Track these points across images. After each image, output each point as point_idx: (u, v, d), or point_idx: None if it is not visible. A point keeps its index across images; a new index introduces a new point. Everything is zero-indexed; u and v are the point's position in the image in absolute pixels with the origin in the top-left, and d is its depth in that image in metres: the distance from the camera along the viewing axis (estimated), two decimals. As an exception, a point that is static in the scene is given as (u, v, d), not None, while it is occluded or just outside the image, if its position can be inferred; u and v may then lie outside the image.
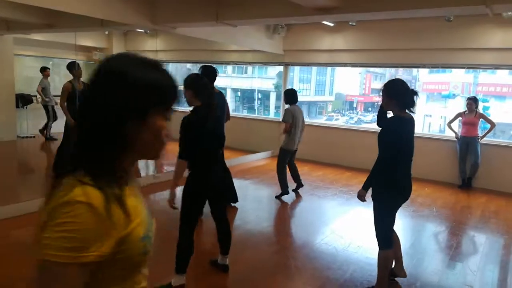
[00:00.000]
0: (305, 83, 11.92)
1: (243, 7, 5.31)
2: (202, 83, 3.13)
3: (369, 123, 10.93)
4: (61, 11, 5.14)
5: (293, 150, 5.83)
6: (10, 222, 4.47)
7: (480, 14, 5.64)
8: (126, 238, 0.88)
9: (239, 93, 12.42)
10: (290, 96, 5.82)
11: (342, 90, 11.47)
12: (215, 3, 5.38)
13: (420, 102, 3.04)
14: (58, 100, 6.56)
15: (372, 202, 3.10)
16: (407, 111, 3.01)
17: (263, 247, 4.22)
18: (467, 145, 6.86)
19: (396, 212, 3.17)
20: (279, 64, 9.34)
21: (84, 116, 0.91)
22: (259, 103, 11.52)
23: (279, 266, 3.78)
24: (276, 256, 4.03)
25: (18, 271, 3.42)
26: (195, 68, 12.10)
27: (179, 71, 12.95)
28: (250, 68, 11.33)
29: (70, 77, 6.28)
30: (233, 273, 3.51)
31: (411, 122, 3.08)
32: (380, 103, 3.27)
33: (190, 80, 3.10)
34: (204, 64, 4.37)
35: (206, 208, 3.45)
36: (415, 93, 2.99)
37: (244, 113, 11.08)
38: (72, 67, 6.16)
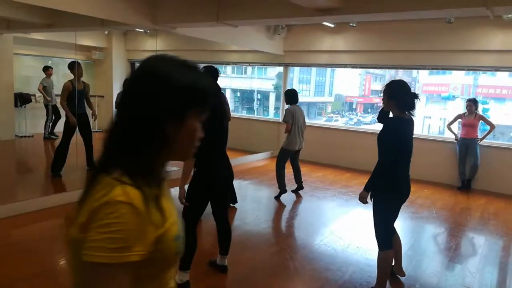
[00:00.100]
0: (305, 84, 11.92)
1: (244, 8, 5.31)
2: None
3: (369, 124, 10.93)
4: (62, 10, 5.14)
5: (294, 150, 5.81)
6: (9, 222, 4.46)
7: (480, 16, 5.65)
8: (162, 238, 0.88)
9: (238, 94, 12.41)
10: (291, 96, 5.82)
11: (341, 91, 11.47)
12: (215, 4, 5.37)
13: (420, 103, 3.05)
14: (59, 99, 6.54)
15: (372, 203, 3.11)
16: (406, 112, 3.02)
17: (262, 247, 4.21)
18: (466, 146, 6.86)
19: (396, 212, 3.18)
20: (279, 64, 9.34)
21: (122, 116, 0.92)
22: (258, 103, 11.52)
23: (278, 267, 3.77)
24: (276, 257, 4.02)
25: (18, 270, 3.42)
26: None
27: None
28: (249, 69, 11.32)
29: (69, 76, 6.27)
30: (232, 273, 3.50)
31: (410, 123, 3.08)
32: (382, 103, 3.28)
33: None
34: (206, 65, 4.38)
35: (207, 209, 3.44)
36: (416, 96, 3.00)
37: (244, 114, 11.07)
38: (73, 66, 6.15)
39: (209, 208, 3.37)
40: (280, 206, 5.70)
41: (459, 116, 7.05)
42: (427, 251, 4.45)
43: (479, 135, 6.90)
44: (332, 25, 7.66)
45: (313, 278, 3.59)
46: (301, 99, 5.93)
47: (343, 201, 6.03)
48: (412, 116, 3.06)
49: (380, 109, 3.47)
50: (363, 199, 3.10)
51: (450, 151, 7.25)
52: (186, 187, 3.16)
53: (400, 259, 3.48)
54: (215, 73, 4.12)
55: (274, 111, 10.82)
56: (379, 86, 12.28)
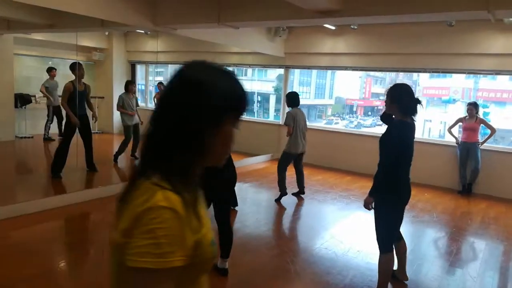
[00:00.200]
0: (305, 86, 11.89)
1: (245, 9, 5.30)
2: None
3: (369, 127, 10.90)
4: (62, 11, 5.13)
5: (296, 153, 5.78)
6: (9, 223, 4.44)
7: (482, 19, 5.65)
8: (199, 243, 0.89)
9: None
10: (292, 99, 5.80)
11: (342, 94, 11.45)
12: (216, 5, 5.37)
13: (420, 106, 3.05)
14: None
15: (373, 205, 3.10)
16: (408, 116, 3.02)
17: (262, 250, 4.20)
18: (467, 150, 6.85)
19: (398, 216, 3.17)
20: (280, 66, 9.34)
21: (160, 121, 0.92)
22: (258, 106, 11.50)
23: (278, 270, 3.75)
24: (276, 260, 4.01)
25: (18, 271, 3.40)
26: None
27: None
28: (250, 71, 11.31)
29: (69, 76, 6.26)
30: (233, 276, 3.48)
31: (412, 127, 3.09)
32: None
33: None
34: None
35: (209, 211, 3.43)
36: (418, 101, 3.01)
37: (244, 116, 11.05)
38: (74, 67, 6.14)
39: (210, 210, 3.36)
40: (281, 209, 5.68)
41: (460, 120, 7.04)
42: (428, 255, 4.43)
43: (480, 139, 6.89)
44: (333, 28, 7.66)
45: (313, 282, 3.58)
46: (301, 101, 5.93)
47: (344, 205, 6.01)
48: (414, 120, 3.07)
49: (383, 111, 3.47)
50: (367, 205, 3.09)
51: (451, 155, 7.24)
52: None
53: (404, 263, 3.47)
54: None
55: (274, 114, 10.80)
56: (380, 89, 12.24)
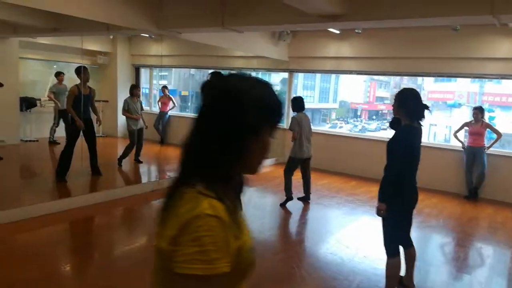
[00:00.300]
0: (309, 90, 11.88)
1: (249, 13, 5.30)
2: None
3: (374, 131, 10.88)
4: (67, 15, 5.15)
5: (302, 158, 5.75)
6: (14, 226, 4.44)
7: (487, 24, 5.62)
8: (241, 249, 0.92)
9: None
10: (298, 103, 5.79)
11: (346, 98, 11.43)
12: (221, 9, 5.37)
13: (428, 112, 3.06)
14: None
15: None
16: (416, 121, 3.02)
17: (268, 255, 4.16)
18: (473, 155, 6.81)
19: (404, 220, 3.16)
20: (284, 70, 9.33)
21: (201, 132, 0.95)
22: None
23: (284, 275, 3.72)
24: (282, 264, 3.98)
25: (22, 274, 3.40)
26: (198, 74, 12.11)
27: (182, 77, 12.98)
28: (253, 74, 11.31)
29: (73, 80, 6.27)
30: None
31: (419, 131, 3.09)
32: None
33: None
34: (213, 71, 4.38)
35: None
36: (426, 107, 3.01)
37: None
38: (80, 71, 6.15)
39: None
40: (286, 214, 5.65)
41: (465, 124, 7.00)
42: (435, 261, 4.39)
43: (486, 143, 6.84)
44: (337, 32, 7.65)
45: (320, 287, 3.55)
46: (305, 105, 5.91)
47: (349, 209, 5.97)
48: (421, 125, 3.06)
49: (392, 116, 3.47)
50: (380, 211, 3.06)
51: (457, 160, 7.19)
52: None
53: (412, 271, 3.43)
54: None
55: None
56: (384, 92, 12.24)
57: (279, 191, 6.01)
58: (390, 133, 3.28)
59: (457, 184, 7.12)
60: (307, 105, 5.98)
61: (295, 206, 5.83)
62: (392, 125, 3.38)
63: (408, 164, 3.01)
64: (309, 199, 6.00)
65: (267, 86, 0.98)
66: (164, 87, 10.23)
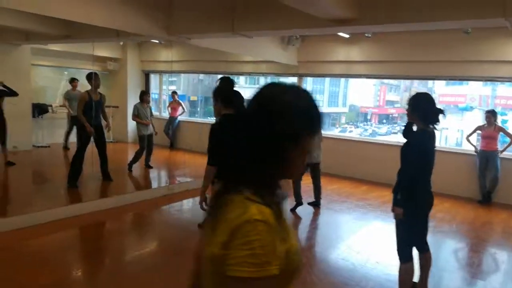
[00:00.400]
0: (318, 94, 11.86)
1: (259, 19, 5.30)
2: (234, 92, 3.21)
3: (384, 135, 10.80)
4: (79, 22, 5.21)
5: (311, 163, 5.72)
6: (26, 232, 4.47)
7: (498, 26, 5.55)
8: (288, 252, 0.95)
9: (251, 104, 12.43)
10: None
11: (356, 102, 11.36)
12: (231, 14, 5.39)
13: (442, 116, 3.05)
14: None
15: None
16: (430, 125, 3.00)
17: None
18: (486, 159, 6.71)
19: (418, 224, 3.13)
20: (293, 75, 9.32)
21: (247, 140, 0.99)
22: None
23: (295, 280, 3.68)
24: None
25: (34, 280, 3.42)
26: (207, 79, 12.16)
27: (190, 82, 13.04)
28: (262, 79, 11.32)
29: (84, 86, 6.32)
30: None
31: (432, 135, 3.07)
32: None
33: (222, 89, 3.14)
34: (222, 76, 4.37)
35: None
36: (441, 111, 2.98)
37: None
38: (91, 77, 6.22)
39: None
40: (296, 219, 5.61)
41: (478, 128, 6.91)
42: (449, 266, 4.31)
43: (499, 147, 6.74)
44: (347, 36, 7.63)
45: (331, 294, 3.51)
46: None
47: (360, 214, 5.91)
48: (435, 129, 3.04)
49: (405, 123, 3.44)
50: (397, 215, 3.02)
51: (469, 164, 7.09)
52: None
53: (426, 276, 3.37)
54: (231, 84, 4.13)
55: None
56: (394, 96, 12.15)
57: (289, 197, 5.97)
58: (401, 137, 3.25)
59: (470, 189, 7.02)
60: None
61: (305, 211, 5.79)
62: (405, 133, 3.35)
63: (422, 168, 2.99)
64: (319, 204, 5.96)
65: (307, 95, 1.02)
66: (174, 92, 10.29)
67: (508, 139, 6.67)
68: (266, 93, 1.02)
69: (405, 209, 2.98)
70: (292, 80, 10.03)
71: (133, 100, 7.74)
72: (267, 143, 0.96)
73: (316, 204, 5.94)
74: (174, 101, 10.08)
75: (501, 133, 6.75)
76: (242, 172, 0.99)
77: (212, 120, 3.12)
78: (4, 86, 6.98)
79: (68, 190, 6.13)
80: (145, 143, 7.45)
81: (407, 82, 10.50)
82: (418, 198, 3.02)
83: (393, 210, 3.05)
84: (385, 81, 10.77)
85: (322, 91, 12.23)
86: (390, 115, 11.98)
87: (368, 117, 11.71)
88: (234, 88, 3.42)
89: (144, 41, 9.77)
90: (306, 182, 5.84)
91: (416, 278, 3.32)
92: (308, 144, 1.01)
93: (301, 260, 1.03)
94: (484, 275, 4.17)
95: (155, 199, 6.09)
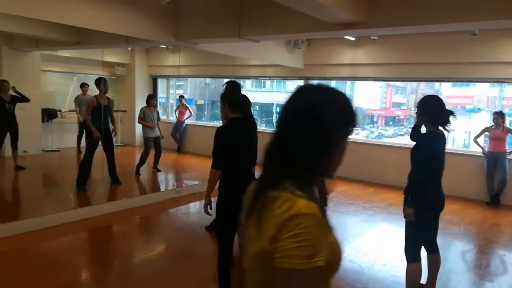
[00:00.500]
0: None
1: (266, 23, 5.35)
2: (240, 96, 3.23)
3: (391, 137, 10.75)
4: (88, 29, 5.30)
5: None
6: (35, 235, 4.54)
7: (506, 28, 5.54)
8: (332, 244, 1.00)
9: (257, 107, 12.48)
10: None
11: (362, 104, 11.35)
12: (237, 19, 5.44)
13: (453, 117, 3.06)
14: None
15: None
16: (440, 127, 3.01)
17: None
18: (494, 160, 6.68)
19: (428, 225, 3.14)
20: (300, 78, 9.35)
21: (291, 138, 1.03)
22: (277, 117, 11.50)
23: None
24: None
25: (44, 282, 3.47)
26: (214, 83, 12.23)
27: (197, 86, 13.13)
28: (268, 82, 11.37)
29: (93, 91, 6.40)
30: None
31: (442, 136, 3.08)
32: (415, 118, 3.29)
33: (229, 93, 3.20)
34: (229, 80, 4.42)
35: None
36: (451, 113, 2.99)
37: (263, 127, 11.10)
38: (99, 82, 6.31)
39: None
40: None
41: (485, 129, 6.88)
42: (457, 268, 4.30)
43: (507, 148, 6.71)
44: (353, 39, 7.65)
45: (339, 296, 3.51)
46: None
47: (367, 217, 5.91)
48: (446, 131, 3.04)
49: (413, 124, 3.45)
50: (408, 216, 3.05)
51: (477, 165, 7.06)
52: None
53: (434, 278, 3.37)
54: (237, 88, 4.18)
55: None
56: (401, 98, 12.10)
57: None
58: (407, 139, 3.26)
59: (478, 190, 6.98)
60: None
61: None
62: (412, 136, 3.36)
63: (432, 170, 3.01)
64: (326, 205, 5.96)
65: (344, 96, 1.07)
66: (181, 96, 10.37)
67: (516, 141, 6.64)
68: (305, 95, 1.07)
69: (416, 210, 3.00)
70: (298, 83, 10.07)
71: (141, 104, 7.83)
72: (309, 142, 1.01)
73: (323, 206, 5.94)
74: (182, 105, 10.16)
75: (509, 134, 6.71)
76: (286, 169, 1.02)
77: (219, 123, 3.14)
78: (16, 92, 7.11)
79: (77, 193, 6.21)
80: (150, 146, 7.52)
81: (414, 84, 10.46)
82: (429, 199, 3.04)
83: (404, 211, 3.07)
84: (391, 83, 10.74)
85: (328, 94, 12.26)
86: (397, 117, 11.93)
87: (375, 119, 11.69)
88: (241, 92, 3.45)
89: (152, 46, 9.87)
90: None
91: (424, 279, 3.33)
92: (345, 143, 1.07)
93: (342, 252, 1.05)
94: (492, 277, 4.16)
95: (162, 202, 6.14)
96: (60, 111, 9.30)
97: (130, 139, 10.01)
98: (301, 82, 9.41)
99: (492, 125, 6.76)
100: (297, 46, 8.22)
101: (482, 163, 6.96)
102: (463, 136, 8.96)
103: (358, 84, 9.94)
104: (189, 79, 12.36)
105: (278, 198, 0.97)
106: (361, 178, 8.05)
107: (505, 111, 7.40)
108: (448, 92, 9.36)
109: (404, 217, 3.09)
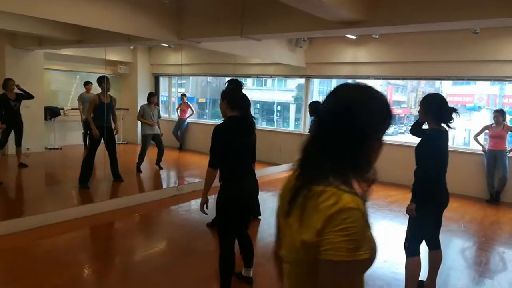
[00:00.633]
0: (325, 95, 11.87)
1: (268, 21, 5.37)
2: (240, 94, 3.23)
3: (391, 135, 10.77)
4: (91, 27, 5.33)
5: None
6: (38, 232, 4.58)
7: (506, 26, 5.55)
8: (372, 239, 1.03)
9: (258, 105, 12.51)
10: (315, 108, 5.82)
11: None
12: (239, 18, 5.47)
13: (456, 115, 3.08)
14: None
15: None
16: (443, 124, 3.04)
17: (286, 260, 4.18)
18: (494, 158, 6.70)
19: (429, 220, 3.18)
20: (301, 77, 9.37)
21: (334, 135, 1.05)
22: (278, 115, 11.54)
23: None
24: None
25: (46, 280, 3.50)
26: (215, 81, 12.26)
27: (199, 84, 13.15)
28: (269, 81, 11.38)
29: (96, 90, 6.44)
30: (257, 285, 3.49)
31: (445, 134, 3.11)
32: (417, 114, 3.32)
33: (229, 91, 3.20)
34: (231, 78, 4.45)
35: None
36: (454, 110, 3.02)
37: (264, 125, 11.14)
38: (101, 81, 6.35)
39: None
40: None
41: (486, 127, 6.91)
42: (456, 265, 4.34)
43: (508, 146, 6.73)
44: (354, 37, 7.67)
45: (339, 292, 3.54)
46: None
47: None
48: (449, 128, 3.07)
49: (415, 120, 3.47)
50: (411, 211, 3.09)
51: (477, 163, 7.08)
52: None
53: (435, 275, 3.39)
54: (240, 86, 4.19)
55: (296, 123, 10.81)
56: (401, 96, 12.12)
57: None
58: (407, 137, 3.29)
59: (478, 188, 7.01)
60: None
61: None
62: (413, 131, 3.39)
63: (436, 167, 3.05)
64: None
65: (382, 95, 1.10)
66: (183, 95, 10.41)
67: (516, 139, 6.66)
68: (342, 94, 1.10)
69: (420, 206, 3.04)
70: (299, 81, 10.10)
71: (143, 102, 7.86)
72: (346, 140, 1.03)
73: None
74: (183, 103, 10.20)
75: (509, 132, 6.73)
76: (330, 165, 1.04)
77: (220, 122, 3.16)
78: (20, 89, 7.16)
79: (80, 191, 6.26)
80: (148, 143, 7.57)
81: (414, 82, 10.47)
82: (434, 196, 3.08)
83: (408, 206, 3.12)
84: (392, 81, 10.76)
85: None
86: (397, 115, 11.94)
87: (376, 118, 11.71)
88: (242, 91, 3.47)
89: (154, 45, 9.90)
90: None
91: (424, 276, 3.36)
92: (382, 140, 1.10)
93: (377, 248, 1.07)
94: (492, 273, 4.18)
95: (164, 199, 6.18)
96: (63, 109, 9.35)
97: (132, 137, 10.05)
98: (301, 80, 9.46)
99: (493, 123, 6.78)
100: (298, 45, 8.24)
101: (482, 161, 6.98)
102: (463, 134, 8.98)
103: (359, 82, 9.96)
104: (191, 77, 12.40)
105: (323, 192, 0.99)
106: (362, 176, 8.06)
107: (506, 109, 7.42)
108: (448, 90, 9.38)
109: (407, 212, 3.13)
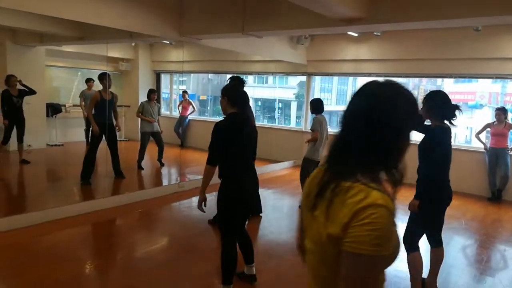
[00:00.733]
0: (326, 92, 11.87)
1: (269, 18, 5.36)
2: (240, 91, 3.22)
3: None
4: (92, 24, 5.33)
5: (318, 160, 5.75)
6: (40, 228, 4.59)
7: (509, 23, 5.53)
8: (397, 239, 1.04)
9: (259, 103, 12.50)
10: (317, 106, 5.79)
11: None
12: (241, 15, 5.45)
13: (459, 112, 3.10)
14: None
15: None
16: (446, 121, 3.05)
17: (287, 256, 4.19)
18: (496, 156, 6.69)
19: (436, 219, 3.21)
20: (302, 74, 9.36)
21: (358, 135, 1.07)
22: (279, 112, 11.54)
23: (304, 276, 3.71)
24: (301, 266, 3.97)
25: (47, 276, 3.52)
26: (217, 78, 12.26)
27: (200, 81, 13.16)
28: (271, 78, 11.37)
29: (97, 86, 6.44)
30: (258, 282, 3.50)
31: (448, 131, 3.13)
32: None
33: (229, 88, 3.18)
34: (232, 75, 4.45)
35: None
36: (457, 107, 3.03)
37: (265, 123, 11.14)
38: (103, 77, 6.36)
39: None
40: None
41: (487, 125, 6.89)
42: (457, 263, 4.34)
43: (509, 144, 6.72)
44: (355, 34, 7.65)
45: (340, 289, 3.55)
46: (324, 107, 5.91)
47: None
48: (452, 125, 3.08)
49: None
50: (414, 207, 3.10)
51: (479, 161, 7.08)
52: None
53: (436, 272, 3.39)
54: (242, 83, 4.19)
55: (297, 120, 10.80)
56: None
57: (297, 193, 6.03)
58: (411, 134, 3.28)
59: (480, 186, 7.01)
60: (325, 108, 5.98)
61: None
62: (417, 128, 3.38)
63: (440, 164, 3.06)
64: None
65: (410, 92, 1.12)
66: (184, 92, 10.42)
67: (518, 137, 6.64)
68: (370, 91, 1.11)
69: (423, 202, 3.05)
70: (301, 79, 10.09)
71: (144, 99, 7.87)
72: (373, 137, 1.05)
73: None
74: (185, 100, 10.20)
75: (511, 130, 6.72)
76: (356, 162, 1.06)
77: (221, 119, 3.15)
78: (23, 84, 7.17)
79: (81, 187, 6.27)
80: (146, 141, 7.58)
81: (416, 80, 10.44)
82: (437, 193, 3.10)
83: (410, 202, 3.13)
84: (394, 79, 10.75)
85: (330, 90, 12.24)
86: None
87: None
88: (243, 88, 3.46)
89: (155, 42, 9.89)
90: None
91: (425, 274, 3.36)
92: (409, 137, 1.11)
93: (400, 247, 1.08)
94: (493, 271, 4.19)
95: (165, 196, 6.20)
96: (65, 106, 9.36)
97: (134, 134, 10.05)
98: (302, 77, 9.44)
99: (494, 121, 6.77)
100: (300, 42, 8.23)
101: (484, 159, 6.97)
102: (465, 132, 8.96)
103: (361, 80, 9.93)
104: (192, 74, 12.40)
105: (351, 188, 1.01)
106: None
107: (508, 107, 7.41)
108: (450, 88, 9.35)
109: (409, 208, 3.13)
